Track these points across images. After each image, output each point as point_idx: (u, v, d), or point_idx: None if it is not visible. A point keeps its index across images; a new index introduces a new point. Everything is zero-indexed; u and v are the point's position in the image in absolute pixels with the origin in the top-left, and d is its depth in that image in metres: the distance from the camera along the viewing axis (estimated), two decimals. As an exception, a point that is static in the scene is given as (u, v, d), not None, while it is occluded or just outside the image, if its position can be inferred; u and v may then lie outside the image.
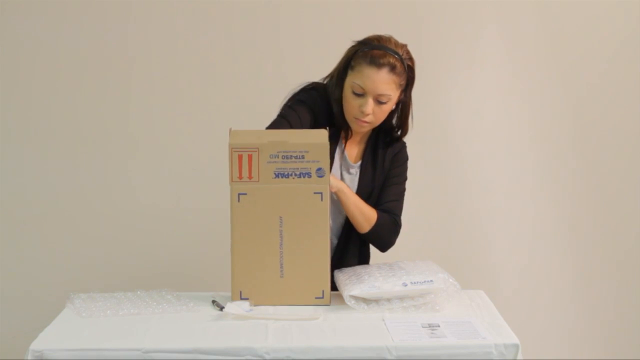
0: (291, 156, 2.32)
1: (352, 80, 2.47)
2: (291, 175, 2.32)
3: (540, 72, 3.42)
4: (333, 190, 2.45)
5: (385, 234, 2.57)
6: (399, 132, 2.60)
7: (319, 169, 2.32)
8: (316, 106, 2.56)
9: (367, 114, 2.47)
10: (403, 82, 2.49)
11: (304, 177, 2.33)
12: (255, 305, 2.31)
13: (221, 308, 2.28)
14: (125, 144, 3.38)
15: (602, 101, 3.45)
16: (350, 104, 2.49)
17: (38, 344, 2.05)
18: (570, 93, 3.44)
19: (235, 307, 2.25)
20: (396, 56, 2.45)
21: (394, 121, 2.58)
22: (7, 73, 3.34)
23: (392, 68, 2.44)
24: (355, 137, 2.61)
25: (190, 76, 3.37)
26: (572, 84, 3.43)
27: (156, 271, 3.39)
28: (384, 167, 2.60)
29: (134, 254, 3.40)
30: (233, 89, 3.36)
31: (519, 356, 2.05)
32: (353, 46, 2.52)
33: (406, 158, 2.63)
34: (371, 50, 2.46)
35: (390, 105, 2.50)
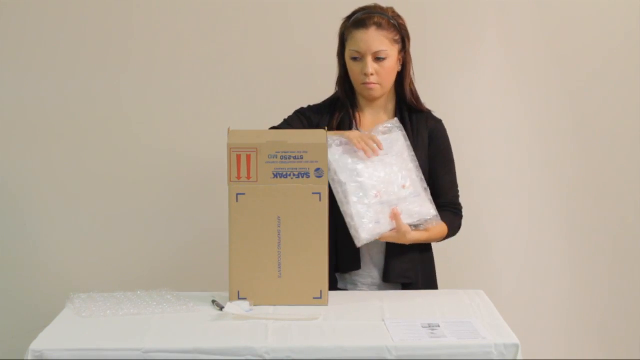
0: (290, 156, 2.32)
1: (349, 49, 2.58)
2: (290, 175, 2.32)
3: (540, 73, 3.42)
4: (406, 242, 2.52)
5: (455, 229, 2.67)
6: (410, 94, 2.63)
7: (317, 169, 2.32)
8: (307, 115, 2.65)
9: (370, 73, 2.54)
10: (397, 38, 2.57)
11: (302, 177, 2.33)
12: (255, 305, 2.31)
13: (221, 308, 2.28)
14: (124, 144, 3.38)
15: (602, 102, 3.44)
16: (354, 71, 2.59)
17: (38, 344, 2.05)
18: (570, 94, 3.43)
19: (235, 307, 2.25)
20: (380, 14, 2.56)
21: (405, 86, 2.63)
22: (4, 73, 3.34)
23: (379, 25, 2.55)
24: (370, 117, 2.64)
25: (189, 76, 3.36)
26: (572, 85, 3.43)
27: (156, 271, 3.39)
28: (420, 141, 2.62)
29: (134, 254, 3.40)
30: (232, 88, 3.35)
31: (519, 356, 2.05)
32: (342, 24, 2.63)
33: (446, 141, 2.68)
34: (353, 17, 2.59)
35: (391, 63, 2.57)
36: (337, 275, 2.63)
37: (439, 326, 2.16)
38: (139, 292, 2.42)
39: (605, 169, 3.46)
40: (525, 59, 3.41)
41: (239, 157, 2.32)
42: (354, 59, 2.56)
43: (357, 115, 2.65)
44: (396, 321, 2.20)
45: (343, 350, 2.04)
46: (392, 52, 2.56)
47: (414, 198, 2.51)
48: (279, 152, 2.32)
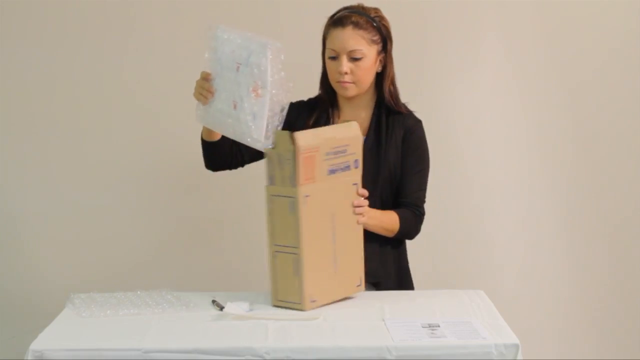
0: (338, 151, 2.31)
1: (327, 48, 2.56)
2: (337, 170, 2.32)
3: (540, 73, 3.42)
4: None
5: (410, 229, 2.59)
6: (388, 95, 2.59)
7: (356, 160, 2.34)
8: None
9: (344, 72, 2.51)
10: (375, 38, 2.54)
11: (346, 170, 2.32)
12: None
13: (221, 308, 2.28)
14: (125, 144, 3.38)
15: (602, 102, 3.45)
16: (330, 69, 2.57)
17: (38, 344, 2.05)
18: (570, 94, 3.44)
19: (235, 307, 2.25)
20: (359, 14, 2.53)
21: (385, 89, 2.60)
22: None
23: (356, 24, 2.51)
24: (349, 116, 2.61)
25: (190, 75, 3.36)
26: (572, 86, 3.43)
27: (156, 271, 3.39)
28: (394, 141, 2.58)
29: (134, 254, 3.40)
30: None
31: (519, 356, 2.05)
32: (326, 23, 2.60)
33: (421, 142, 2.63)
34: (335, 16, 2.56)
35: (367, 63, 2.53)
36: None
37: (439, 326, 2.16)
38: (139, 292, 2.42)
39: (605, 169, 3.47)
40: (525, 59, 3.41)
41: (306, 159, 2.24)
42: (331, 57, 2.55)
43: (335, 114, 2.63)
44: (396, 321, 2.20)
45: (343, 350, 2.04)
46: (369, 53, 2.53)
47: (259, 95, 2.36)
48: (332, 149, 2.30)
